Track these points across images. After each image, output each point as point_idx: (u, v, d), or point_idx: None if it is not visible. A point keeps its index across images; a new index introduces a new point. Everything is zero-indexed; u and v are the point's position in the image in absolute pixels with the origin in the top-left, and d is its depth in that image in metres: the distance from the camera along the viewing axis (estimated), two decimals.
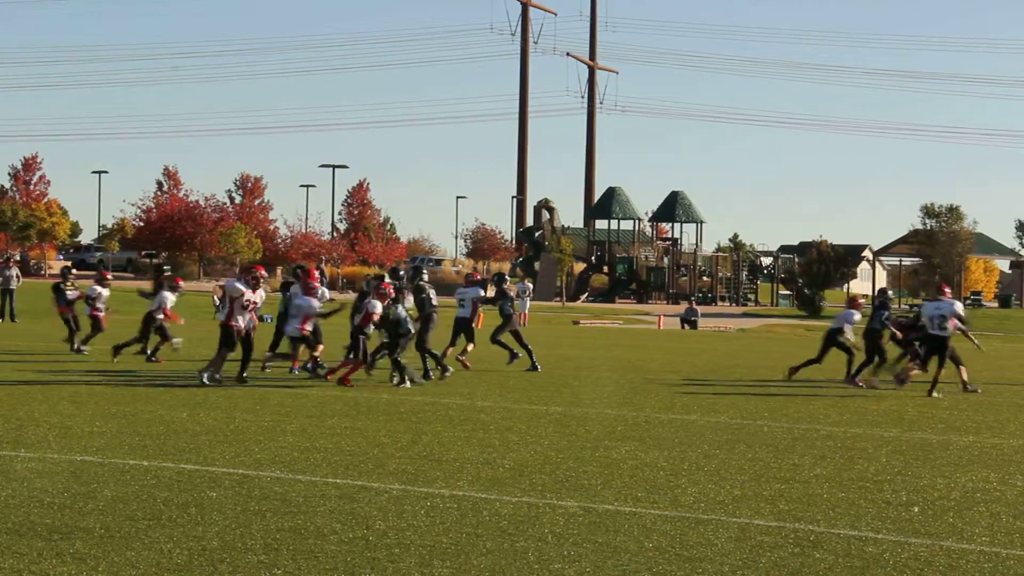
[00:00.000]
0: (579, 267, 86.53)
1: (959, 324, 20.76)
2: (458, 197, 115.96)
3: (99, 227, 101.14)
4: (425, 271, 23.74)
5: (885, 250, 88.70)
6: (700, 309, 56.70)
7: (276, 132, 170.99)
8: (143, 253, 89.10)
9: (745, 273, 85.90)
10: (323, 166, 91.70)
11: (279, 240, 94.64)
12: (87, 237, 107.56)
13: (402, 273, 23.23)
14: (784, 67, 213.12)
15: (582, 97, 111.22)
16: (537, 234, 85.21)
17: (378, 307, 19.38)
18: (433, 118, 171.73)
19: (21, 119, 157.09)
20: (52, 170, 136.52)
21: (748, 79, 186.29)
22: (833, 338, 22.19)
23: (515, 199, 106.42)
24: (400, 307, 19.74)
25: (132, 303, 26.40)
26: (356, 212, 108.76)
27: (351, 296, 37.44)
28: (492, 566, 8.14)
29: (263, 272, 21.15)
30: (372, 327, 19.61)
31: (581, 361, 27.34)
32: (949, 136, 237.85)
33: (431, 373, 20.70)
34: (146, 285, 31.91)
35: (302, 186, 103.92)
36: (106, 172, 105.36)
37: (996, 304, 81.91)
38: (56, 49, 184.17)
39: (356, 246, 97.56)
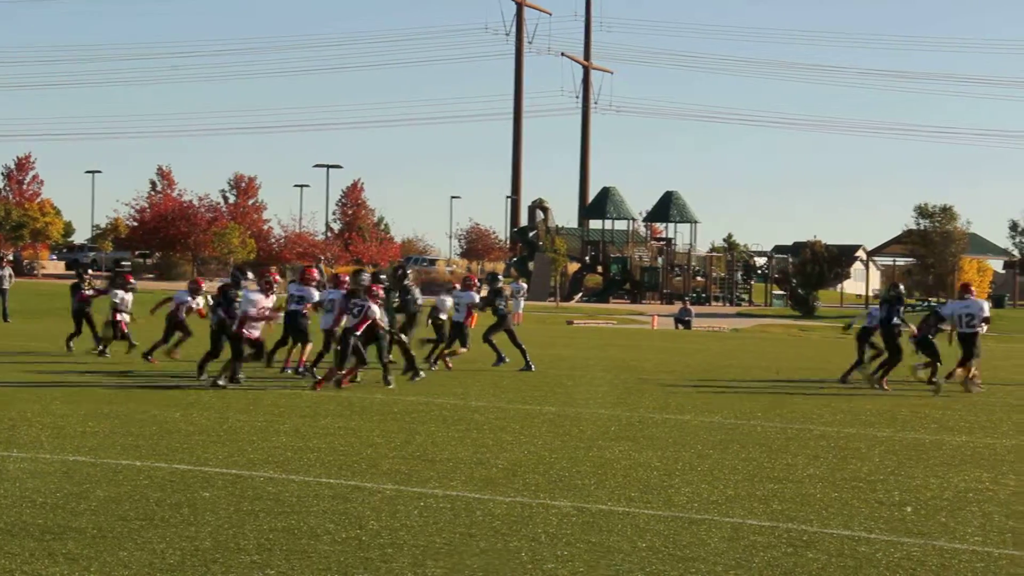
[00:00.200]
0: (573, 267, 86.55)
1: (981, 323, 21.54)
2: (452, 197, 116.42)
3: (92, 227, 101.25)
4: (409, 271, 23.78)
5: (879, 250, 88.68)
6: (694, 309, 56.77)
7: (270, 132, 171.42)
8: (136, 253, 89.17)
9: (739, 273, 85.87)
10: (317, 166, 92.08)
11: (273, 240, 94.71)
12: (80, 237, 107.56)
13: (383, 277, 23.25)
14: (778, 67, 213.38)
15: (576, 97, 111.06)
16: (531, 234, 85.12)
17: (377, 312, 19.29)
18: (427, 118, 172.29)
19: (14, 119, 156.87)
20: (45, 170, 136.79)
21: (742, 79, 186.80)
22: (867, 337, 22.51)
23: (509, 199, 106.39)
24: (380, 308, 19.74)
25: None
26: (350, 212, 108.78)
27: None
28: (485, 566, 8.14)
29: (277, 277, 21.08)
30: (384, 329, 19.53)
31: (575, 361, 27.35)
32: (943, 136, 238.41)
33: (421, 372, 20.76)
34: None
35: (296, 186, 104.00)
36: (99, 172, 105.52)
37: (990, 304, 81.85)
38: (55, 48, 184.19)
39: (350, 246, 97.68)
